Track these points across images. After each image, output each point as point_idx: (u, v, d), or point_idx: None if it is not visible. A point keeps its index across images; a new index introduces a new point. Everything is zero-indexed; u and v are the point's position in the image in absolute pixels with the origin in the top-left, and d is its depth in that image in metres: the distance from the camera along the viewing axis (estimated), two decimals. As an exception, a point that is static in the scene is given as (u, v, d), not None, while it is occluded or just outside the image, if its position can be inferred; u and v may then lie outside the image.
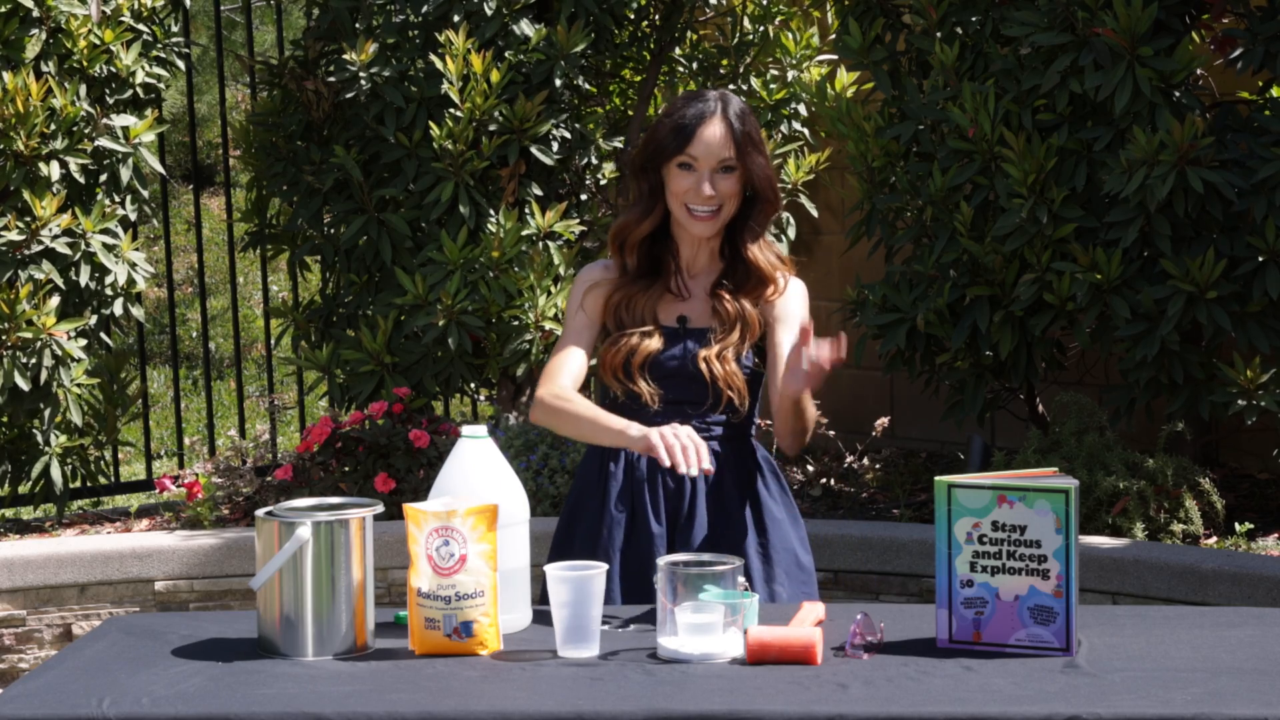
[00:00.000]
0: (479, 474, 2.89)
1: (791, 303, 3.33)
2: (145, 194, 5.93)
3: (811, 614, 2.85)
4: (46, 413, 5.65)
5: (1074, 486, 2.66)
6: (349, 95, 5.83)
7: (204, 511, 5.54)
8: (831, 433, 5.89)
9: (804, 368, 3.02)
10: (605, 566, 2.75)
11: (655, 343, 3.28)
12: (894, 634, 2.77)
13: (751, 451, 3.35)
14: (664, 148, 3.28)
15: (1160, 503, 4.95)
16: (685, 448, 3.02)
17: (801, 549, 3.34)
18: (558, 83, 5.78)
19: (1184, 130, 4.83)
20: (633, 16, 6.22)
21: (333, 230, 6.07)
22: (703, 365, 3.26)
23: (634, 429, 3.13)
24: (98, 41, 5.77)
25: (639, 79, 6.49)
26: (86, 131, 5.67)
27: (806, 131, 6.49)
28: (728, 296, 3.30)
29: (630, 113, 6.40)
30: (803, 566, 3.33)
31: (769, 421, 3.65)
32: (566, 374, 3.30)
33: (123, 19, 5.87)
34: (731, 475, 3.30)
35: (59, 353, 5.47)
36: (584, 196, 6.20)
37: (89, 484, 6.07)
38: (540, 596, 2.99)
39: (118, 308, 5.79)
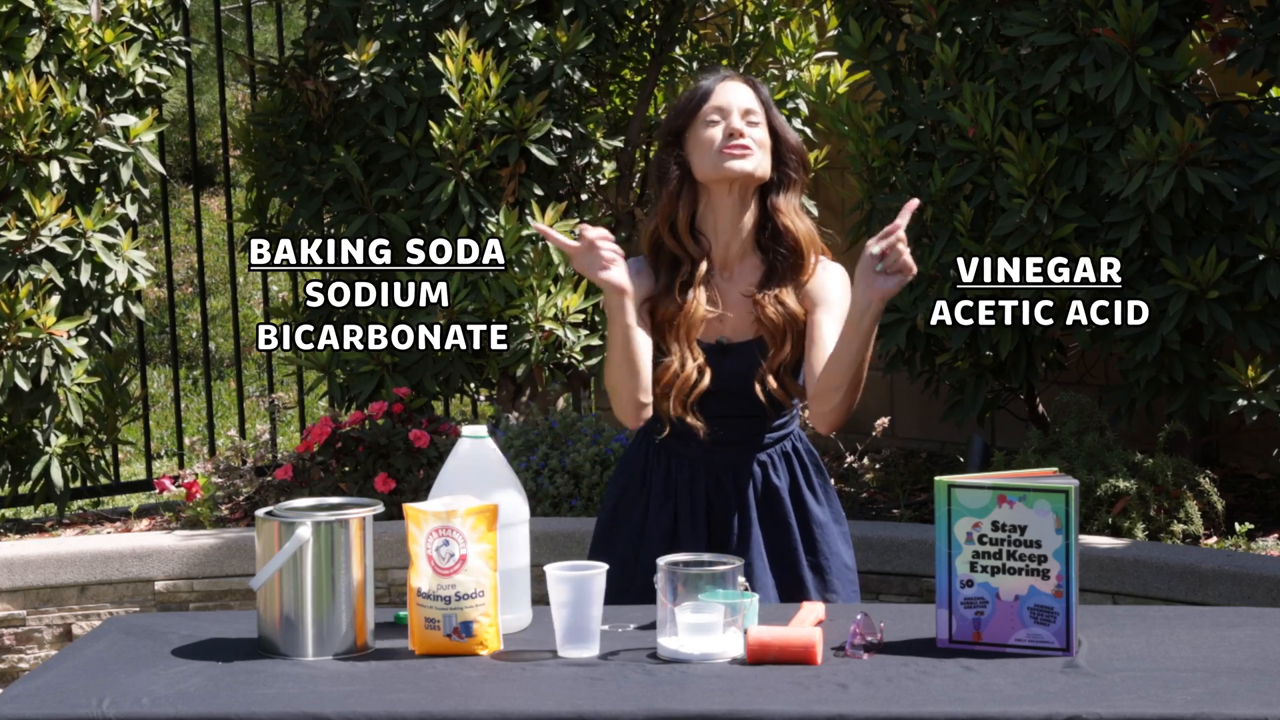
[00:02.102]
0: (479, 474, 2.89)
1: (831, 285, 3.21)
2: (146, 193, 5.94)
3: (811, 614, 2.85)
4: (46, 412, 5.65)
5: (1074, 486, 2.66)
6: (349, 95, 5.83)
7: (204, 511, 5.54)
8: (832, 433, 5.89)
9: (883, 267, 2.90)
10: (605, 566, 2.75)
11: (705, 381, 3.16)
12: (894, 634, 2.77)
13: (796, 449, 3.29)
14: (687, 108, 3.20)
15: (1160, 503, 4.95)
16: (607, 259, 2.98)
17: (845, 548, 3.32)
18: (558, 83, 5.78)
19: (1184, 130, 4.83)
20: (633, 16, 6.22)
21: (333, 230, 6.07)
22: (758, 390, 3.16)
23: (611, 303, 3.04)
24: (98, 41, 5.77)
25: (639, 79, 6.49)
26: (86, 131, 5.67)
27: (808, 130, 6.49)
28: (769, 303, 3.17)
29: (630, 113, 6.40)
30: (849, 567, 3.32)
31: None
32: None
33: (123, 19, 5.87)
34: (782, 480, 3.26)
35: (59, 352, 5.47)
36: (584, 196, 6.20)
37: (89, 484, 6.07)
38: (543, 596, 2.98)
39: (118, 307, 5.79)
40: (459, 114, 5.67)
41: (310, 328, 5.91)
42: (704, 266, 3.20)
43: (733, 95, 3.20)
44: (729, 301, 3.22)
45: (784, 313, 3.18)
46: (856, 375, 3.10)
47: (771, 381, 3.17)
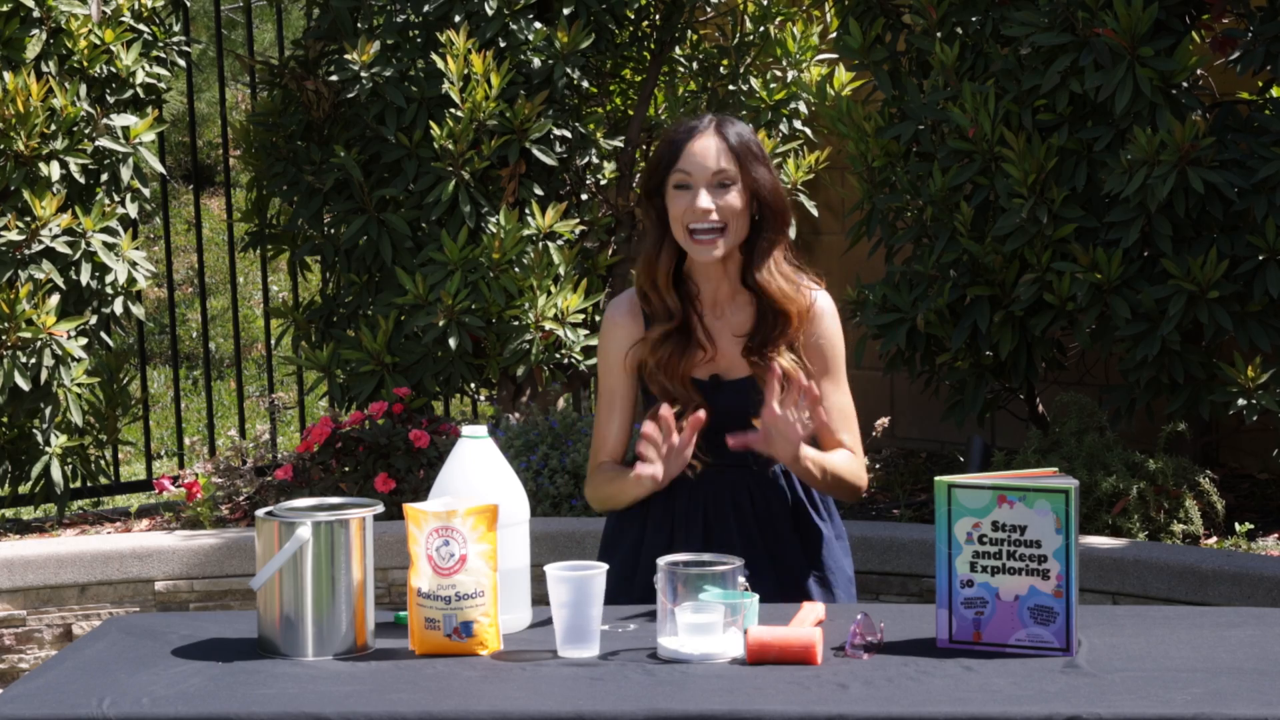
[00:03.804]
0: (479, 474, 2.89)
1: (829, 336, 3.21)
2: (146, 193, 5.94)
3: (811, 614, 2.85)
4: (46, 412, 5.65)
5: (1074, 486, 2.66)
6: (349, 95, 5.83)
7: (204, 511, 5.53)
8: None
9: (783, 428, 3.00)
10: (605, 566, 2.75)
11: (703, 415, 3.07)
12: (894, 634, 2.77)
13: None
14: (658, 167, 3.14)
15: (1160, 503, 4.95)
16: (669, 461, 3.01)
17: (847, 560, 3.31)
18: (558, 83, 5.78)
19: (1184, 130, 4.83)
20: (633, 16, 6.22)
21: (333, 230, 6.07)
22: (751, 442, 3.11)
23: (642, 482, 3.06)
24: (98, 41, 5.77)
25: (639, 79, 6.49)
26: (86, 131, 5.67)
27: (808, 131, 6.49)
28: (759, 359, 3.13)
29: (630, 113, 6.40)
30: (851, 580, 3.31)
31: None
32: (607, 449, 3.26)
33: (123, 19, 5.87)
34: (783, 497, 3.23)
35: (59, 352, 5.47)
36: (584, 196, 6.20)
37: (89, 484, 6.07)
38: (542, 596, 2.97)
39: (118, 306, 5.79)
40: (459, 114, 5.67)
41: (310, 328, 5.90)
42: (691, 317, 3.18)
43: (701, 156, 3.11)
44: (722, 340, 3.20)
45: (776, 367, 3.11)
46: (830, 488, 3.21)
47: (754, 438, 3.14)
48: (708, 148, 3.12)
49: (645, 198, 3.19)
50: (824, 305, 3.22)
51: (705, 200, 3.10)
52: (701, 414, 3.00)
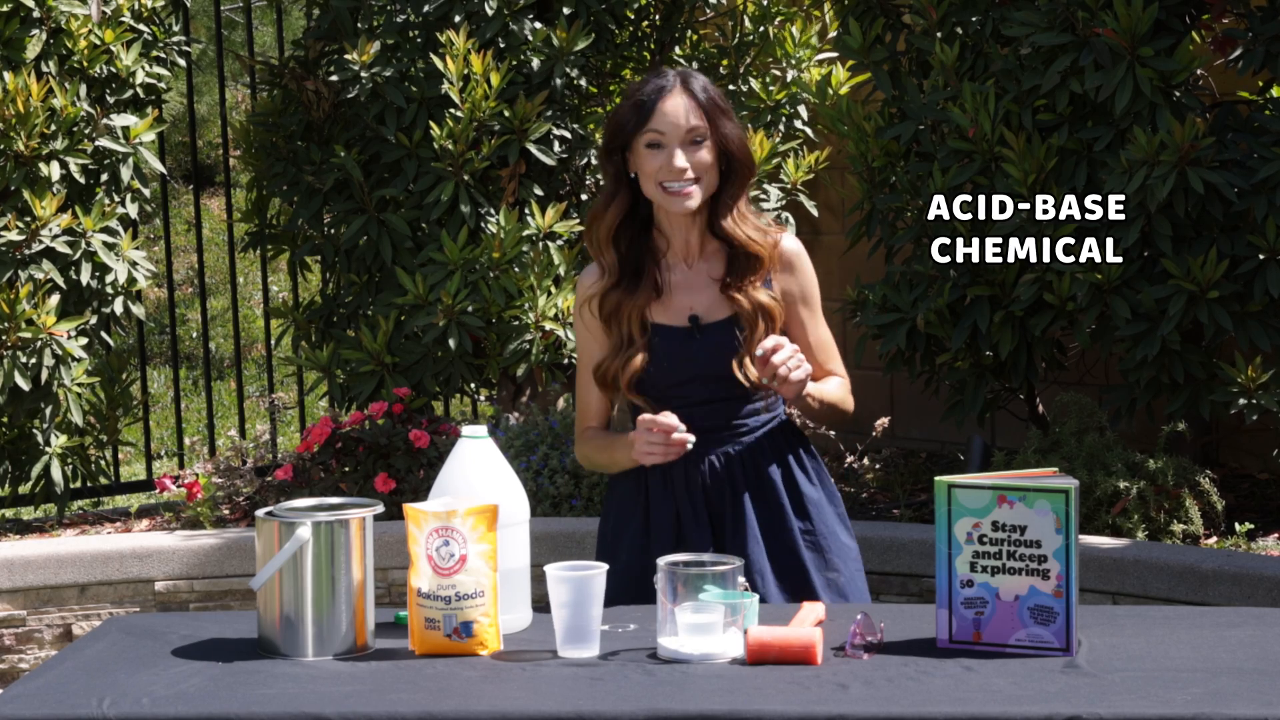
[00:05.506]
0: (479, 474, 2.89)
1: (804, 276, 3.29)
2: (146, 193, 5.94)
3: (811, 614, 2.85)
4: (47, 412, 5.65)
5: (1074, 486, 2.66)
6: (349, 95, 5.83)
7: (204, 512, 5.54)
8: (832, 433, 5.89)
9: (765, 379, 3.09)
10: (605, 566, 2.75)
11: (638, 360, 3.22)
12: (894, 634, 2.77)
13: (784, 429, 3.31)
14: (625, 127, 3.21)
15: (1160, 503, 4.94)
16: (665, 448, 3.09)
17: (842, 528, 3.35)
18: (558, 83, 5.78)
19: (1184, 130, 4.83)
20: (633, 16, 6.22)
21: (333, 230, 6.07)
22: (737, 372, 3.20)
23: (630, 454, 3.17)
24: (98, 42, 5.77)
25: (639, 79, 6.48)
26: (87, 131, 5.67)
27: (808, 131, 6.48)
28: (738, 293, 3.22)
29: (630, 113, 6.39)
30: (846, 546, 3.35)
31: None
32: (591, 415, 3.35)
33: (123, 19, 5.87)
34: (771, 461, 3.27)
35: (59, 352, 5.47)
36: (584, 196, 6.20)
37: (89, 484, 6.07)
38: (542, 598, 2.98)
39: (118, 306, 5.79)
40: (459, 114, 5.67)
41: (310, 328, 5.90)
42: (647, 266, 3.27)
43: (673, 115, 3.18)
44: (699, 284, 3.27)
45: (755, 301, 3.23)
46: (826, 417, 3.30)
47: (750, 369, 3.20)
48: (678, 106, 3.19)
49: (605, 154, 3.26)
50: (792, 247, 3.30)
51: (681, 159, 3.17)
52: (690, 438, 3.09)
